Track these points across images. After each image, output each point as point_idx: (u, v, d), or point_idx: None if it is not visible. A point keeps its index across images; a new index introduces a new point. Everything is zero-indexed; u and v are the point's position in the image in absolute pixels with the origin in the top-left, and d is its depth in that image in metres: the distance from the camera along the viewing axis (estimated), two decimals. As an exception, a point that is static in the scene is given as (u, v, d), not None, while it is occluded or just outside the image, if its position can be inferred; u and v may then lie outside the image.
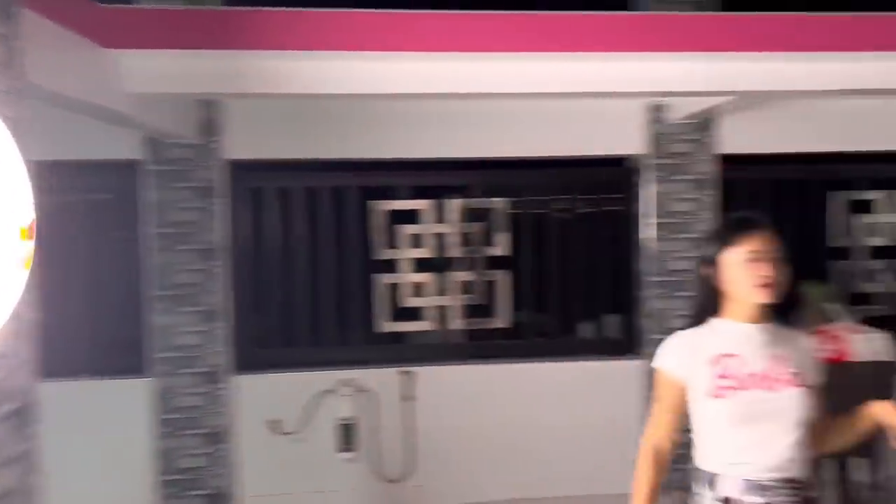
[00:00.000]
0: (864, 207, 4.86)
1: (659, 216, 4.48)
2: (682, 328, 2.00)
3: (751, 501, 1.82)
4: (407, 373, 4.46)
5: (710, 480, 1.88)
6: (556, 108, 4.44)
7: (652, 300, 4.49)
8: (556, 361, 4.63)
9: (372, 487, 4.44)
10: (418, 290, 4.62)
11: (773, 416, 1.84)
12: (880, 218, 4.86)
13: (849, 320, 3.93)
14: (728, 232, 1.91)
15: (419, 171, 4.64)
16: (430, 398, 4.47)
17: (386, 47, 3.28)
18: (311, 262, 4.57)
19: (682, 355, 1.92)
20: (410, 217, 4.63)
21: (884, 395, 3.63)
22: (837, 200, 4.87)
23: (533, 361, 4.62)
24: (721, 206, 4.55)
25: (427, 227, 4.60)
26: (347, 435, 4.32)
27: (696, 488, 1.93)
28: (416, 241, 4.61)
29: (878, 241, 4.86)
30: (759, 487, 1.83)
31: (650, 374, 4.42)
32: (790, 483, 1.84)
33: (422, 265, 4.65)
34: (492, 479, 4.50)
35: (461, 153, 4.51)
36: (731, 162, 4.60)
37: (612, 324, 4.86)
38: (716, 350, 1.89)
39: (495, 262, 4.70)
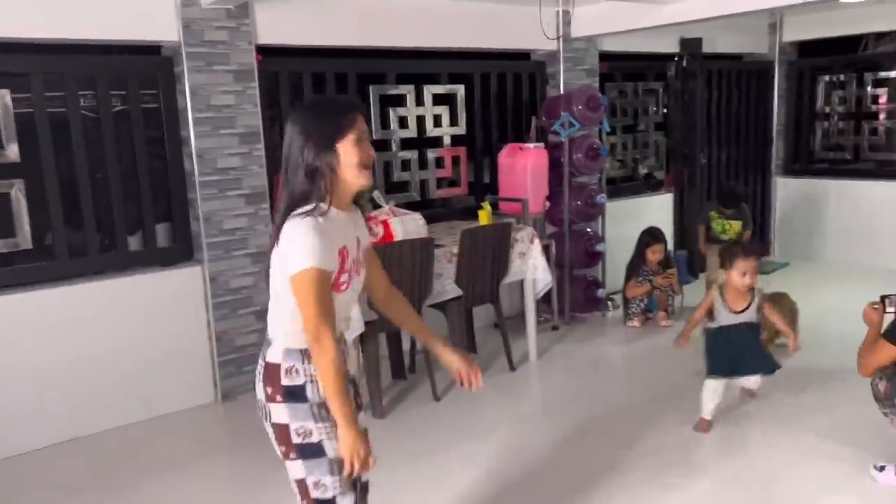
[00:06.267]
0: (396, 101, 5.21)
1: (201, 111, 4.14)
2: (302, 215, 1.84)
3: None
4: None
5: (306, 355, 1.94)
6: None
7: (204, 202, 4.20)
8: (99, 280, 4.07)
9: None
10: None
11: (357, 295, 2.07)
12: (410, 111, 5.27)
13: (388, 206, 4.24)
14: (339, 115, 1.90)
15: None
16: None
17: None
18: None
19: (326, 250, 1.84)
20: None
21: (425, 267, 4.06)
22: (375, 94, 5.09)
23: (70, 284, 3.98)
24: (264, 100, 4.42)
25: None
26: None
27: (287, 364, 1.95)
28: None
29: (407, 134, 5.28)
30: (342, 342, 2.04)
31: (211, 280, 4.25)
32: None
33: None
34: (36, 426, 3.82)
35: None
36: (271, 53, 4.47)
37: (163, 232, 4.45)
38: (337, 242, 1.89)
39: (2, 172, 3.84)
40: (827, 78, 7.50)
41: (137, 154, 4.21)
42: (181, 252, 4.35)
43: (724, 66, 7.14)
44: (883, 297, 3.10)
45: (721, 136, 7.25)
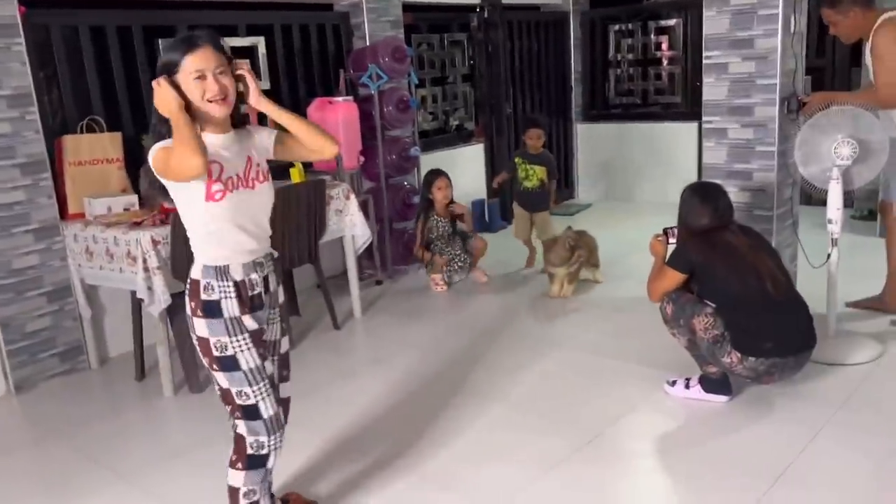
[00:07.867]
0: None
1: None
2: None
3: (254, 277, 2.19)
4: None
5: (220, 272, 2.14)
6: None
7: (-31, 175, 3.71)
8: None
9: None
10: None
11: (257, 208, 2.21)
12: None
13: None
14: (174, 52, 2.05)
15: None
16: None
17: None
18: None
19: None
20: None
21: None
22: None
23: None
24: (35, 58, 3.95)
25: None
26: None
27: (205, 280, 2.15)
28: None
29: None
30: (257, 265, 2.21)
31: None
32: (271, 254, 2.31)
33: None
34: None
35: None
36: (38, 4, 3.98)
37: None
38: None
39: None
40: (617, 27, 7.98)
41: None
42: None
43: (523, 16, 7.38)
44: (666, 230, 3.39)
45: (524, 85, 7.52)
